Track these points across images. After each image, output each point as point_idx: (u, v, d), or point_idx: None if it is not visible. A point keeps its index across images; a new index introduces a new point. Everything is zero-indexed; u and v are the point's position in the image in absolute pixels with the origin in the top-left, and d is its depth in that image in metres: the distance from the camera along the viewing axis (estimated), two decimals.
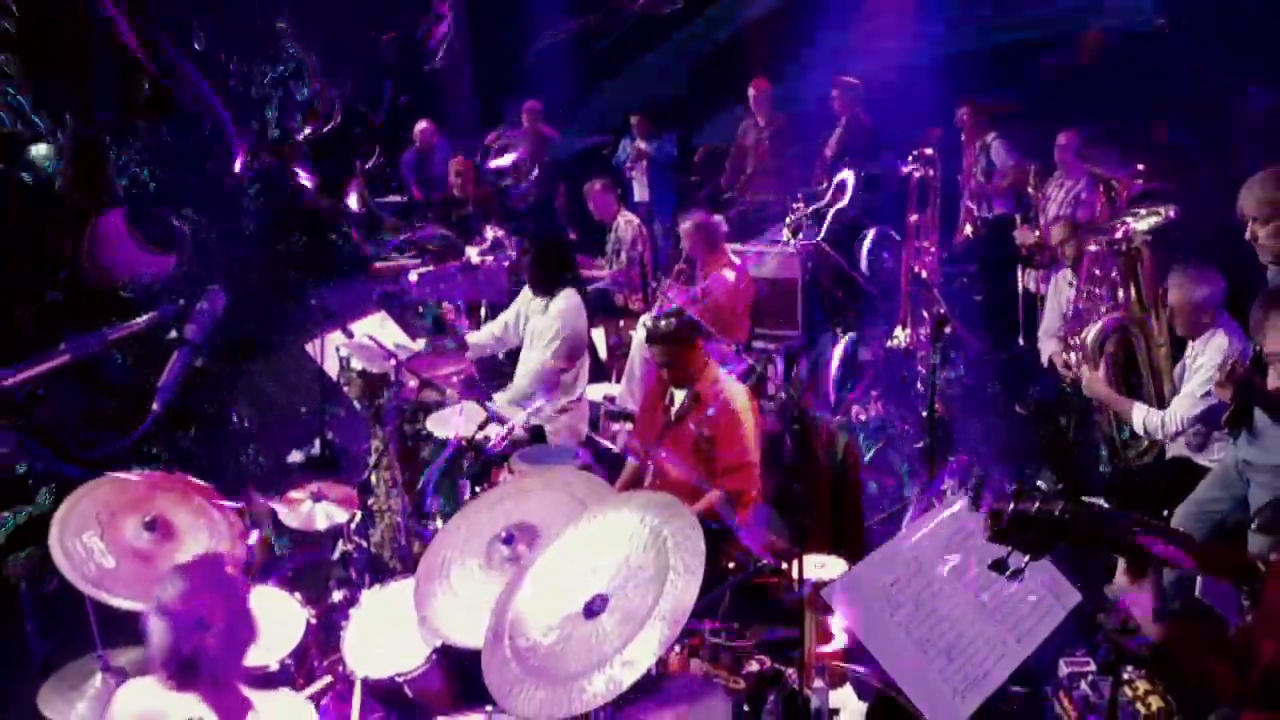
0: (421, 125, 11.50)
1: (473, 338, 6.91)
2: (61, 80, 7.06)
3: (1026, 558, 2.44)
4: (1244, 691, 2.32)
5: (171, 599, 3.11)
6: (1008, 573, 2.44)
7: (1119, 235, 5.57)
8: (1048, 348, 6.76)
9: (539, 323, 6.47)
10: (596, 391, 7.13)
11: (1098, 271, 5.92)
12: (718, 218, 8.09)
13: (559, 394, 6.37)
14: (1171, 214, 5.54)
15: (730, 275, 7.51)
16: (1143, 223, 5.56)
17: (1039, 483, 2.22)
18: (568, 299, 6.45)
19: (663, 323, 5.18)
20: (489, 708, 3.67)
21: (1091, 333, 5.60)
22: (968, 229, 9.07)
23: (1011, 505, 2.41)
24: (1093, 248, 6.09)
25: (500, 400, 6.25)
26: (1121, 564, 2.55)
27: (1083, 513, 2.43)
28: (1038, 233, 7.83)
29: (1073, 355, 5.94)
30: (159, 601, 3.13)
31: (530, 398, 6.08)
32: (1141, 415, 5.15)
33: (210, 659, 3.11)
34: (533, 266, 6.71)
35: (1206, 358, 4.87)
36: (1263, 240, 4.14)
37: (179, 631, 3.08)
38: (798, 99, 10.71)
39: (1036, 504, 2.40)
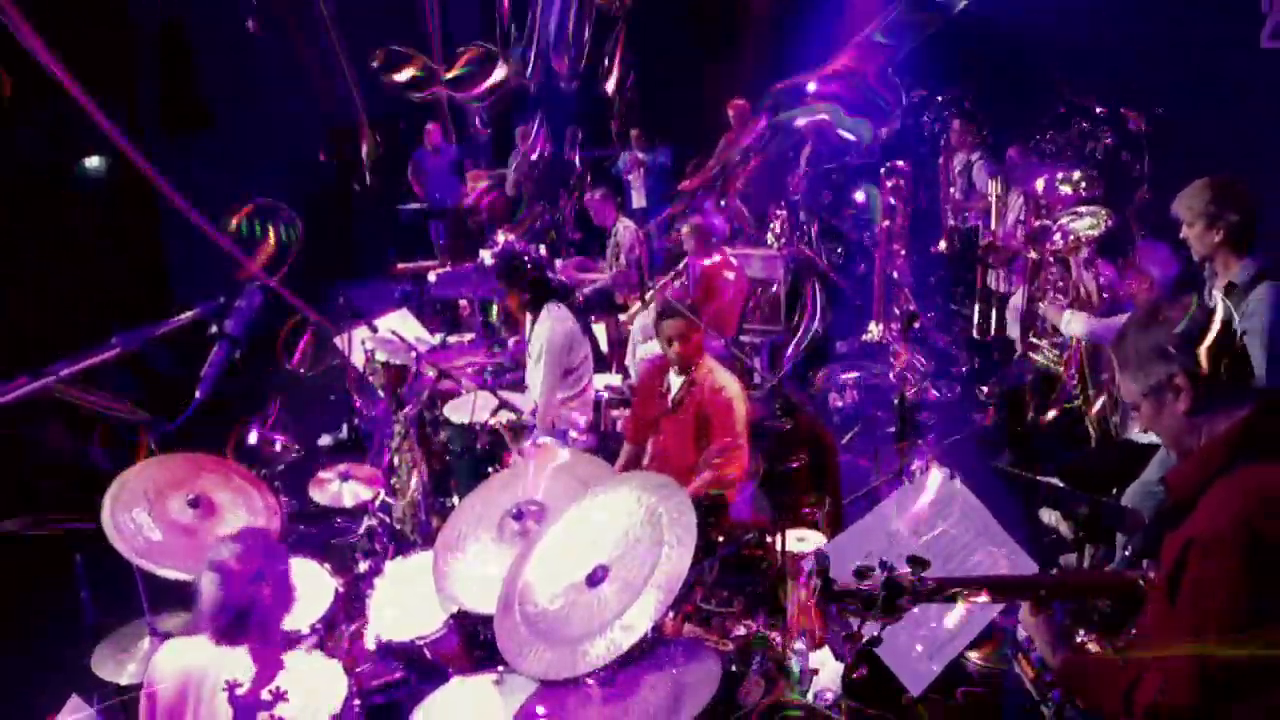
0: (429, 127, 11.58)
1: None
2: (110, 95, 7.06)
3: (880, 624, 2.33)
4: None
5: (228, 558, 3.11)
6: (865, 642, 2.36)
7: (1059, 240, 5.57)
8: (1014, 330, 6.71)
9: (532, 346, 6.14)
10: (599, 382, 7.14)
11: (1055, 279, 5.90)
12: (716, 221, 8.10)
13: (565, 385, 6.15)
14: (1110, 221, 5.53)
15: (730, 275, 7.53)
16: (1081, 223, 5.55)
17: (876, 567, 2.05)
18: (548, 319, 5.94)
19: (676, 304, 5.21)
20: (501, 667, 3.68)
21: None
22: (942, 244, 8.91)
23: (856, 586, 2.30)
24: (1033, 256, 6.09)
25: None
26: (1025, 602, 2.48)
27: (929, 582, 2.33)
28: (993, 233, 7.84)
29: (1041, 354, 5.93)
30: (216, 560, 3.13)
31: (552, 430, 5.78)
32: (1068, 316, 5.40)
33: (262, 614, 3.11)
34: (503, 289, 6.23)
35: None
36: (1191, 242, 4.30)
37: (234, 587, 3.08)
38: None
39: (880, 580, 2.29)
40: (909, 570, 2.32)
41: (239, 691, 3.00)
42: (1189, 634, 2.09)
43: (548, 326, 5.90)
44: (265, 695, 3.04)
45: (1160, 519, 3.87)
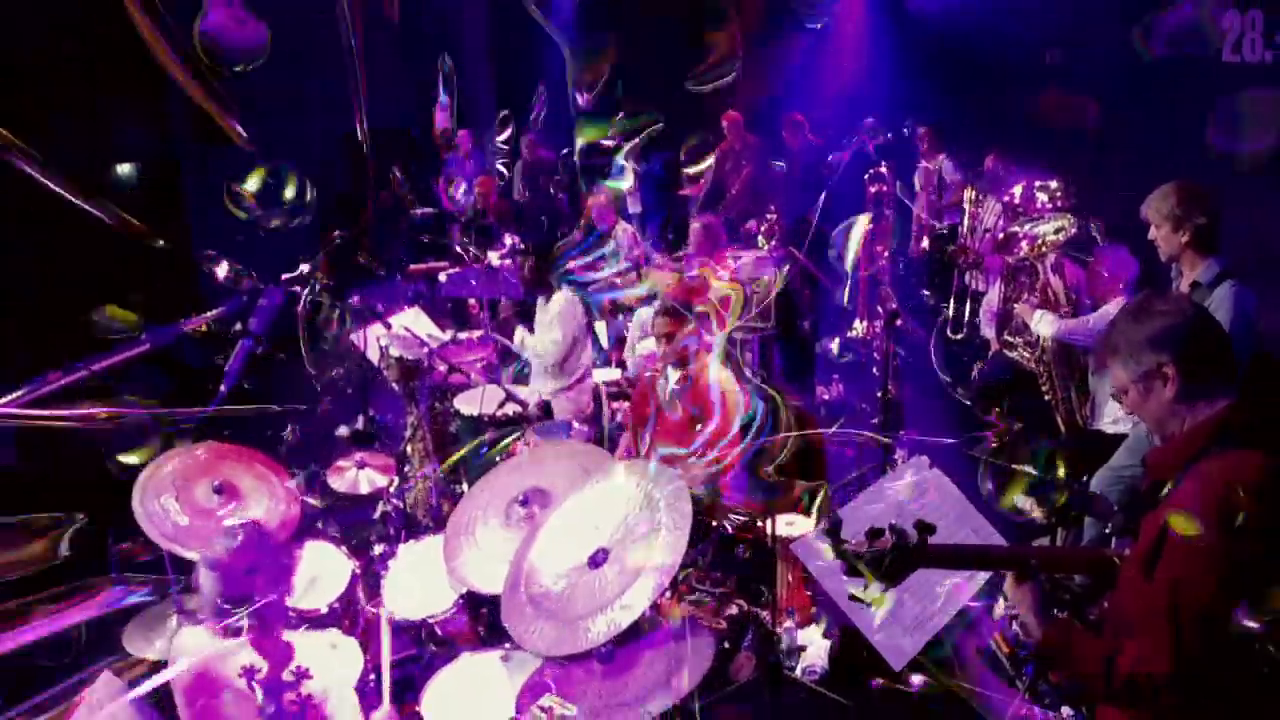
0: (461, 134, 11.61)
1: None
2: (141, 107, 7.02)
3: (884, 586, 2.33)
4: (1109, 692, 2.25)
5: (220, 554, 3.08)
6: (869, 603, 2.36)
7: (1025, 245, 5.57)
8: (986, 331, 6.70)
9: (541, 318, 6.49)
10: (600, 376, 7.14)
11: (1029, 282, 5.87)
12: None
13: (564, 373, 6.41)
14: (1073, 228, 5.54)
15: (725, 275, 7.51)
16: (1045, 228, 5.55)
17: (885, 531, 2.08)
18: (565, 297, 6.43)
19: (669, 303, 5.23)
20: (507, 644, 3.67)
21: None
22: (925, 242, 8.95)
23: (866, 546, 2.32)
24: (1009, 260, 6.05)
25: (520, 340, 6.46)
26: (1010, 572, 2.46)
27: (932, 548, 2.34)
28: (963, 236, 7.84)
29: (1016, 351, 5.90)
30: (209, 558, 3.10)
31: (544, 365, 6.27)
32: (1038, 317, 5.46)
33: (259, 603, 3.08)
34: (529, 274, 6.66)
35: (1099, 313, 5.20)
36: (1159, 243, 4.30)
37: (230, 581, 3.06)
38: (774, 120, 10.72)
39: (889, 542, 2.32)
40: (916, 535, 2.33)
41: (259, 676, 2.98)
42: (1166, 607, 2.12)
43: (561, 307, 6.35)
44: (288, 676, 3.01)
45: (1139, 499, 3.88)
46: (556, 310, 6.36)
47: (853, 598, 2.37)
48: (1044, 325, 5.39)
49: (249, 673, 2.96)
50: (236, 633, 3.07)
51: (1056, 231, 5.50)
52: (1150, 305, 2.35)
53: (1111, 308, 5.11)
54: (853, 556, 2.33)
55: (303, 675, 3.02)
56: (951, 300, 7.74)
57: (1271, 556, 2.11)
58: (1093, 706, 2.47)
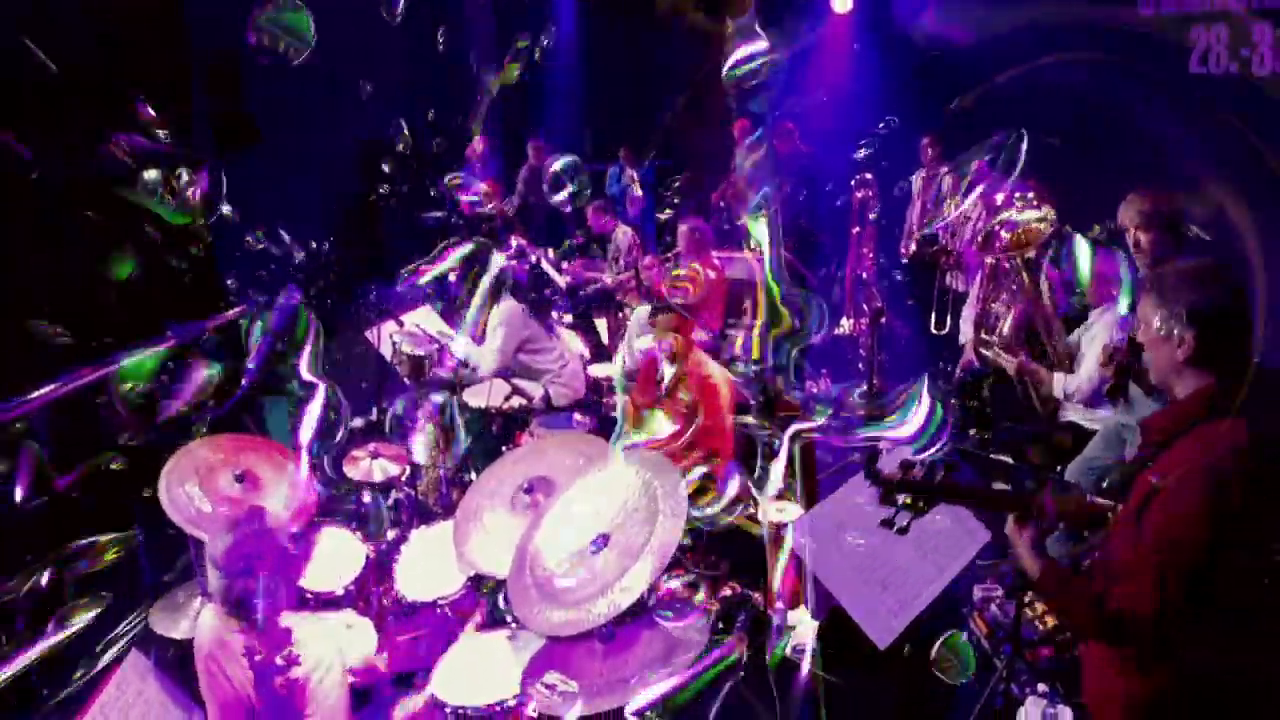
0: (476, 140, 11.60)
1: None
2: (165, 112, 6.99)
3: (910, 516, 2.51)
4: (1095, 630, 2.41)
5: (219, 553, 3.08)
6: (895, 529, 2.51)
7: (1006, 236, 5.51)
8: (966, 329, 6.70)
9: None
10: (599, 370, 7.15)
11: (1004, 280, 5.83)
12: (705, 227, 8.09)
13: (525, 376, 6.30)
14: (1052, 216, 5.47)
15: (713, 275, 7.52)
16: (1026, 215, 5.47)
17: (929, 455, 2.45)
18: (504, 309, 6.18)
19: (671, 302, 5.26)
20: (513, 625, 3.68)
21: (1007, 325, 5.55)
22: (912, 246, 8.91)
23: (898, 476, 2.51)
24: (989, 260, 6.01)
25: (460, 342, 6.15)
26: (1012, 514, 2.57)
27: (955, 482, 2.53)
28: (944, 238, 7.84)
29: (992, 350, 5.87)
30: (211, 555, 3.10)
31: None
32: (1060, 383, 5.16)
33: (257, 599, 3.09)
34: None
35: (1099, 329, 4.91)
36: (1144, 246, 4.19)
37: (228, 578, 3.06)
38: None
39: (919, 473, 2.52)
40: (943, 470, 2.53)
41: (257, 658, 3.00)
42: (1154, 558, 2.25)
43: (500, 320, 6.11)
44: (279, 660, 3.03)
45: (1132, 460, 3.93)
46: (496, 320, 6.13)
47: (883, 524, 2.53)
48: (1073, 389, 5.18)
49: (250, 653, 2.98)
50: (243, 620, 3.08)
51: (1039, 220, 5.41)
52: (1208, 275, 2.38)
53: (1108, 316, 4.96)
54: (887, 482, 2.52)
55: (292, 661, 3.04)
56: (934, 300, 7.77)
57: (1253, 517, 2.23)
58: (1071, 678, 2.56)
